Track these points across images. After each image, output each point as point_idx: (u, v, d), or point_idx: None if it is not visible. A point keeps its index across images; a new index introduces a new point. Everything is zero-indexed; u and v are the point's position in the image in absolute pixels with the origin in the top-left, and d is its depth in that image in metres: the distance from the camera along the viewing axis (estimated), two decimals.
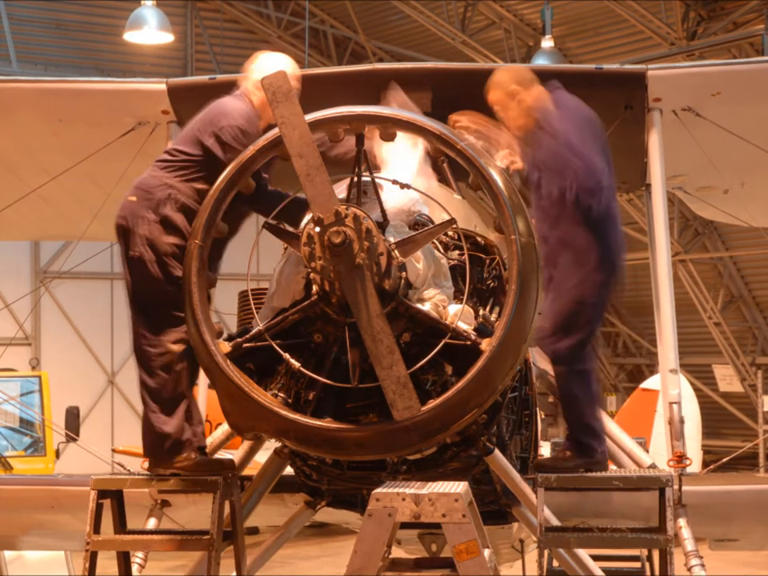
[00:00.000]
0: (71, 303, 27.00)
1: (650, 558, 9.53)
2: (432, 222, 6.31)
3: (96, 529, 6.54)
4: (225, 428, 7.55)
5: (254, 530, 12.97)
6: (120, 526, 6.74)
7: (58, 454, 18.60)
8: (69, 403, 19.39)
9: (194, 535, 6.61)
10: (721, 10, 22.70)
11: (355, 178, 6.05)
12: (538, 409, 7.55)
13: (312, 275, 5.89)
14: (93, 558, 6.50)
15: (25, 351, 26.56)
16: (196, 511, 7.46)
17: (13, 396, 18.77)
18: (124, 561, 6.83)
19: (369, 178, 6.09)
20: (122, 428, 26.68)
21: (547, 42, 22.07)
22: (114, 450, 18.32)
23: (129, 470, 7.93)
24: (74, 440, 14.09)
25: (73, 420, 18.43)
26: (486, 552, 5.56)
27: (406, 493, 5.34)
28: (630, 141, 8.15)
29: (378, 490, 5.42)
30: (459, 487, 5.45)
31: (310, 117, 6.03)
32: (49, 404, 19.02)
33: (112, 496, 6.70)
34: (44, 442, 18.76)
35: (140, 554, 7.39)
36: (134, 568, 7.28)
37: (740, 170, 9.08)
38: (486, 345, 5.95)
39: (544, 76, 8.25)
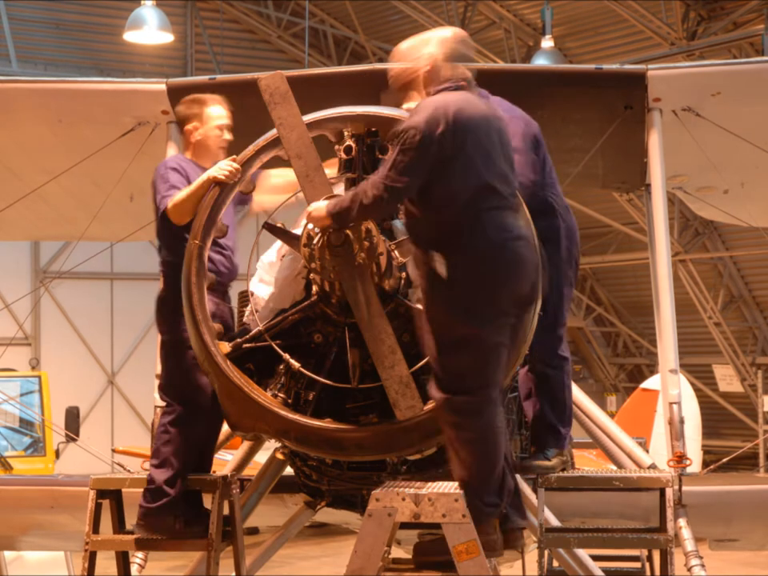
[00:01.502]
0: (71, 303, 26.97)
1: (650, 558, 9.52)
2: None
3: (95, 529, 6.53)
4: (225, 428, 7.54)
5: (254, 530, 12.96)
6: (119, 525, 6.74)
7: (57, 454, 18.59)
8: (68, 403, 19.39)
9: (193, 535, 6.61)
10: (721, 9, 22.68)
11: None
12: None
13: (312, 275, 5.89)
14: (92, 558, 6.50)
15: (25, 351, 26.53)
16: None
17: (13, 396, 18.76)
18: (123, 561, 6.83)
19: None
20: (122, 428, 26.67)
21: (547, 42, 22.06)
22: (113, 450, 18.29)
23: (129, 470, 7.94)
24: (74, 440, 14.08)
25: (73, 420, 18.42)
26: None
27: (405, 493, 5.34)
28: (629, 141, 8.15)
29: (378, 490, 5.42)
30: (456, 487, 5.44)
31: (309, 117, 6.03)
32: (49, 404, 19.01)
33: (111, 496, 6.69)
34: (44, 442, 18.75)
35: (140, 554, 7.40)
36: (134, 568, 7.29)
37: (740, 170, 9.07)
38: None
39: (544, 76, 8.28)
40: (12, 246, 25.22)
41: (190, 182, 6.47)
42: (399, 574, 5.64)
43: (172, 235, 6.50)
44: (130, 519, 6.90)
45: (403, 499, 5.34)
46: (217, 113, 6.84)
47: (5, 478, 12.89)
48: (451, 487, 5.47)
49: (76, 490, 7.88)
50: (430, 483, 5.64)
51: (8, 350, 11.79)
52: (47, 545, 10.66)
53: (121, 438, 25.09)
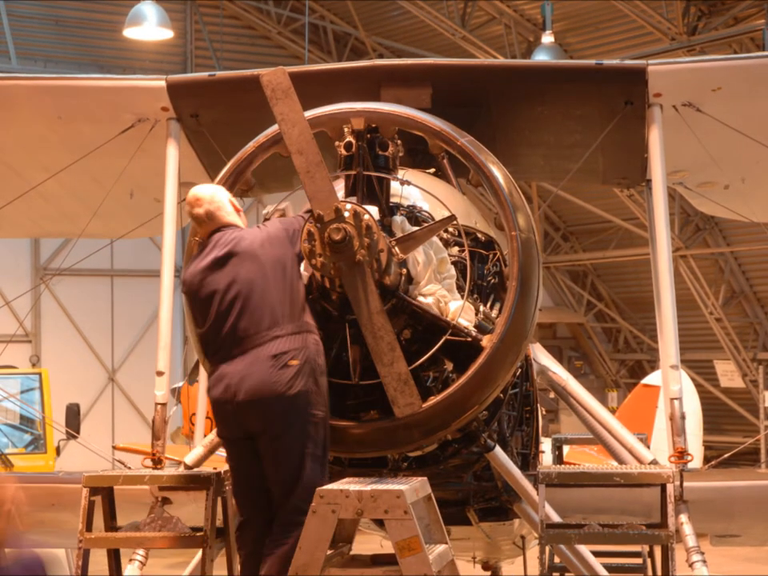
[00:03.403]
0: (71, 300, 26.96)
1: (651, 554, 9.52)
2: (432, 219, 6.31)
3: (88, 526, 6.50)
4: None
5: None
6: (111, 523, 6.71)
7: (58, 451, 18.58)
8: (69, 400, 19.36)
9: (188, 532, 6.59)
10: (721, 5, 22.65)
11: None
12: (538, 405, 7.55)
13: (312, 272, 5.88)
14: (85, 556, 6.46)
15: (25, 348, 26.52)
16: (197, 508, 7.44)
17: (13, 393, 18.75)
18: (114, 558, 6.80)
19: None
20: (123, 425, 26.66)
21: (547, 38, 22.01)
22: (114, 447, 18.29)
23: (129, 467, 7.93)
24: (75, 437, 14.08)
25: (73, 417, 18.40)
26: (442, 548, 5.58)
27: (349, 490, 5.39)
28: (630, 136, 8.13)
29: (323, 487, 5.46)
30: (403, 484, 5.47)
31: (310, 113, 6.02)
32: (49, 401, 18.99)
33: (103, 493, 6.67)
34: (44, 440, 18.73)
35: (141, 552, 7.38)
36: (136, 565, 7.27)
37: (741, 165, 9.05)
38: (486, 341, 5.94)
39: (545, 72, 8.27)
40: (12, 243, 25.21)
41: None
42: (343, 570, 5.67)
43: None
44: (132, 516, 6.89)
45: (347, 496, 5.38)
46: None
47: (6, 476, 12.86)
48: (396, 484, 5.48)
49: (76, 487, 7.86)
50: (376, 479, 5.68)
51: (8, 347, 11.80)
52: (48, 542, 10.63)
53: (121, 435, 25.09)
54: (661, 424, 11.99)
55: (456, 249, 6.40)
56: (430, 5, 25.35)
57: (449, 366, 6.11)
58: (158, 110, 8.24)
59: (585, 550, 7.21)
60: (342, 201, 5.76)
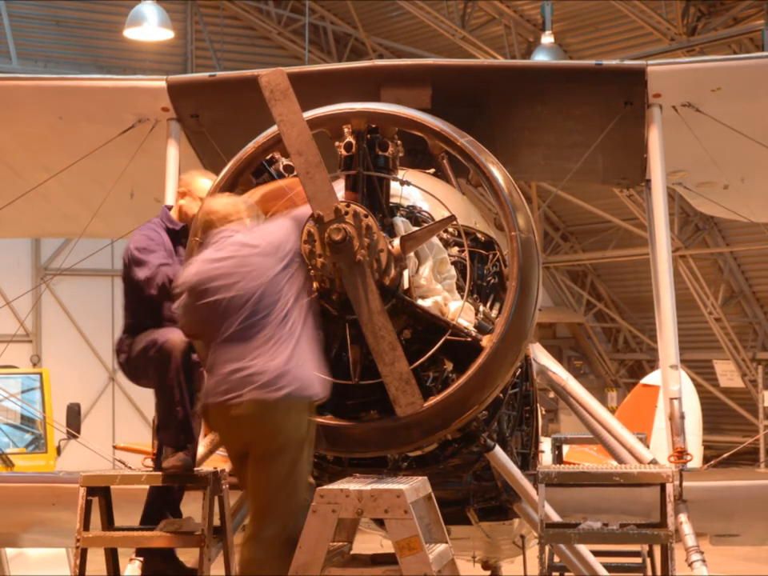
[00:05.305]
0: (72, 300, 26.97)
1: (651, 554, 9.54)
2: (432, 219, 6.32)
3: (86, 526, 6.53)
4: None
5: None
6: (108, 522, 6.73)
7: (59, 450, 18.59)
8: (70, 400, 19.36)
9: (185, 531, 6.60)
10: (721, 5, 22.66)
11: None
12: (538, 405, 7.56)
13: (312, 272, 5.89)
14: (83, 555, 6.49)
15: (26, 348, 26.53)
16: (198, 508, 7.46)
17: (14, 393, 18.76)
18: (112, 558, 6.82)
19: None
20: (123, 425, 26.67)
21: (547, 38, 22.01)
22: (115, 447, 18.30)
23: (130, 467, 7.94)
24: (75, 437, 14.08)
25: (74, 417, 18.40)
26: (442, 547, 5.59)
27: (349, 489, 5.40)
28: (629, 137, 8.14)
29: (323, 486, 5.48)
30: (403, 483, 5.48)
31: (309, 114, 6.03)
32: (50, 401, 19.00)
33: (100, 493, 6.69)
34: (45, 439, 18.75)
35: None
36: (136, 565, 7.28)
37: (740, 165, 9.07)
38: (486, 341, 5.95)
39: (544, 72, 8.28)
40: (13, 243, 25.21)
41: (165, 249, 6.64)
42: (344, 569, 5.69)
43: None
44: (134, 515, 6.90)
45: (347, 496, 5.38)
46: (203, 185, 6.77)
47: (6, 476, 12.89)
48: (396, 483, 5.49)
49: (77, 487, 7.87)
50: (377, 479, 5.69)
51: (9, 347, 11.80)
52: (49, 542, 10.66)
53: (122, 434, 25.10)
54: (660, 424, 12.01)
55: (456, 249, 6.41)
56: (430, 5, 25.36)
57: (449, 365, 6.12)
58: (159, 111, 8.26)
59: (584, 549, 7.23)
60: (341, 201, 5.77)
